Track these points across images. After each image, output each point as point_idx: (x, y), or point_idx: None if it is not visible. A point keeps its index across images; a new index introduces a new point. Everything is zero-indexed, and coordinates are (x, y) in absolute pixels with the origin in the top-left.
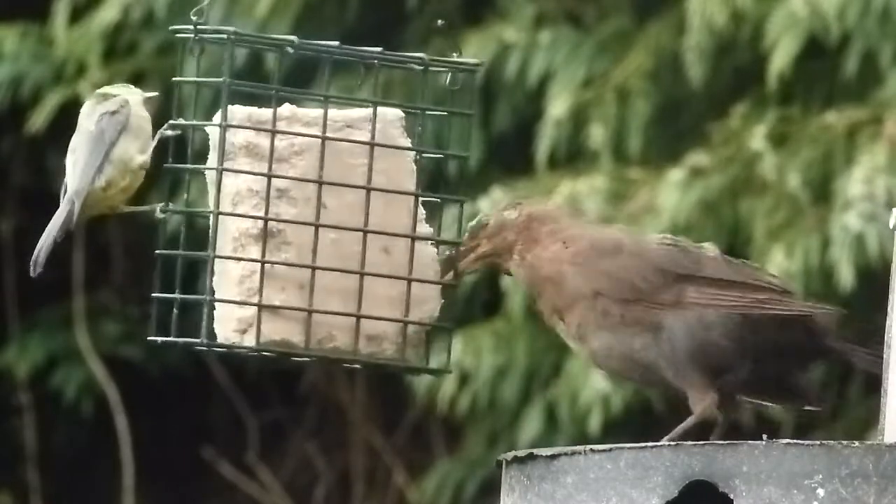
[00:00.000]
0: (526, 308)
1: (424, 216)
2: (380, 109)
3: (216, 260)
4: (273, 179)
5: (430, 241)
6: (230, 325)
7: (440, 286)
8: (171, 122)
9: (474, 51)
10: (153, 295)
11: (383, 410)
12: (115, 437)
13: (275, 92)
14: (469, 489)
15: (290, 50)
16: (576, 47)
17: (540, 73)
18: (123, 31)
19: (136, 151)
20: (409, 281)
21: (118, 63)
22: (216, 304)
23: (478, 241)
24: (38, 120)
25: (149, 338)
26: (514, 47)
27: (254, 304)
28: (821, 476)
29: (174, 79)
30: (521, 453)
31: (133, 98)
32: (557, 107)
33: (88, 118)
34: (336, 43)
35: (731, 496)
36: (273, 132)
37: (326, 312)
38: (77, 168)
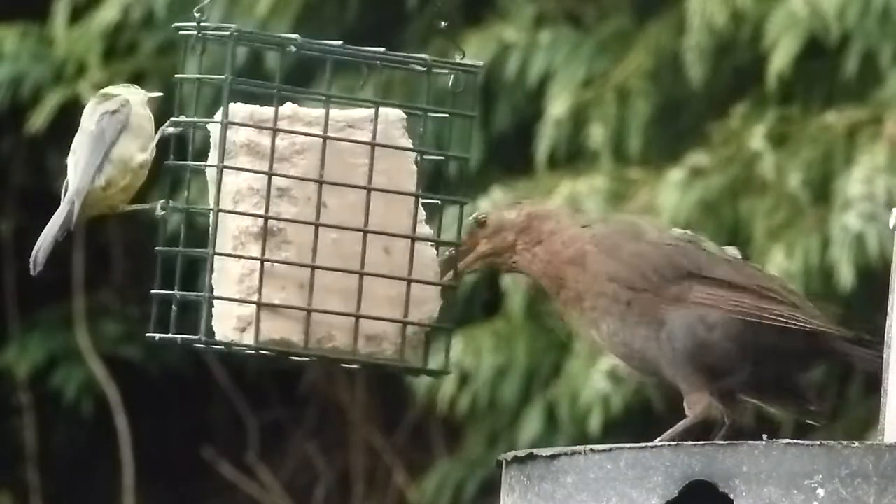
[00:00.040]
0: (526, 308)
1: (424, 217)
2: (382, 110)
3: (216, 258)
4: (274, 178)
5: (430, 242)
6: (229, 324)
7: (440, 287)
8: (172, 118)
9: (474, 51)
10: (152, 292)
11: (383, 410)
12: (115, 437)
13: (276, 91)
14: (469, 489)
15: (292, 49)
16: (576, 47)
17: (540, 73)
18: (123, 31)
19: (137, 150)
20: (409, 281)
21: (118, 63)
22: (215, 302)
23: (477, 241)
24: (38, 120)
25: (147, 334)
26: (514, 47)
27: (253, 303)
28: (821, 476)
29: (176, 76)
30: (521, 453)
31: (135, 98)
32: (557, 107)
33: (89, 118)
34: (339, 42)
35: (731, 496)
36: (274, 131)
37: (326, 312)
38: (77, 168)
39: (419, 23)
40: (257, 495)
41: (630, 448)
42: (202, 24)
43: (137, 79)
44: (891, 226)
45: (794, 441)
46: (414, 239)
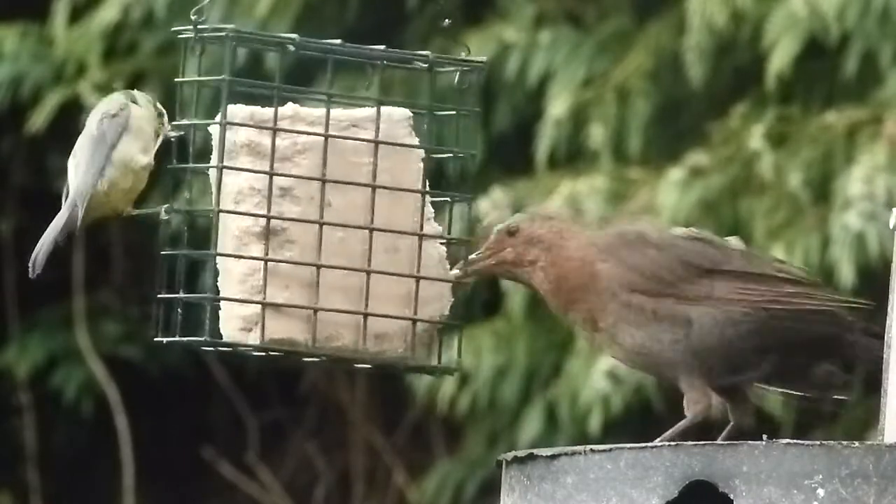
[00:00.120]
0: (526, 308)
1: (433, 215)
2: (387, 109)
3: (218, 259)
4: (276, 178)
5: (438, 240)
6: (233, 324)
7: (449, 285)
8: (173, 122)
9: (474, 51)
10: (158, 296)
11: (383, 410)
12: (115, 437)
13: (276, 91)
14: (469, 489)
15: (291, 48)
16: (576, 47)
17: (540, 73)
18: (123, 31)
19: (139, 152)
20: (417, 279)
21: (118, 63)
22: (219, 303)
23: (503, 247)
24: (38, 120)
25: (154, 339)
26: (514, 47)
27: (256, 302)
28: (821, 476)
29: (176, 80)
30: (521, 453)
31: (137, 101)
32: (557, 107)
33: (91, 122)
34: (339, 41)
35: (731, 496)
36: (274, 130)
37: (330, 310)
38: (78, 171)
39: (419, 23)
40: (257, 495)
41: (630, 448)
42: (200, 25)
43: (137, 79)
44: (891, 225)
45: (794, 441)
46: (421, 236)
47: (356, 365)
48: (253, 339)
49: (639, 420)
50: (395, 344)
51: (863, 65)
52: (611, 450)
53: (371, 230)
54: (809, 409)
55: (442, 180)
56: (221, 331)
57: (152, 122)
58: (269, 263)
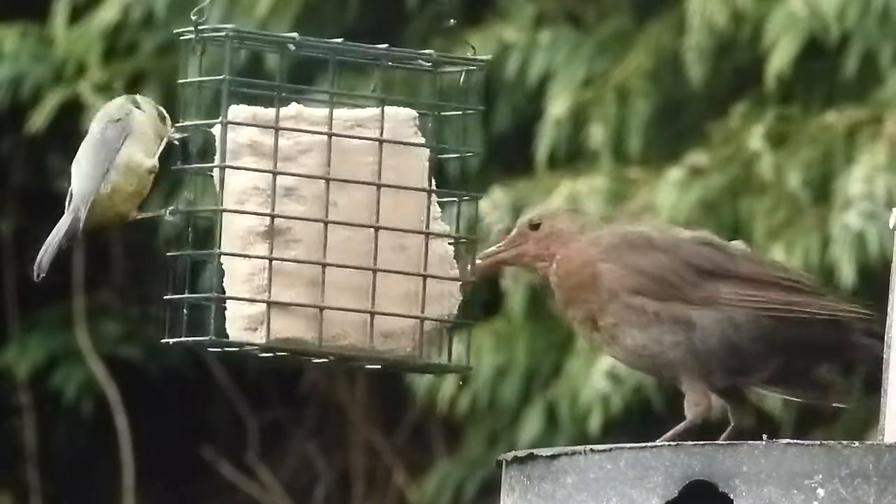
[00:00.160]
0: (526, 308)
1: (440, 214)
2: (393, 109)
3: (222, 259)
4: (280, 178)
5: (444, 238)
6: (239, 324)
7: (457, 283)
8: (176, 125)
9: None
10: (165, 297)
11: (383, 410)
12: (115, 437)
13: (277, 90)
14: (469, 489)
15: (291, 47)
16: (576, 47)
17: (540, 73)
18: (123, 31)
19: (143, 156)
20: (424, 277)
21: (118, 63)
22: (225, 302)
23: (525, 240)
24: (38, 120)
25: (161, 340)
26: (514, 47)
27: (262, 301)
28: (821, 476)
29: (179, 81)
30: (521, 453)
31: (140, 105)
32: (557, 107)
33: (94, 126)
34: (340, 40)
35: (731, 496)
36: (276, 129)
37: (336, 308)
38: (82, 175)
39: (419, 23)
40: (257, 495)
41: (630, 448)
42: (200, 25)
43: (137, 79)
44: (891, 225)
45: (794, 441)
46: (427, 235)
47: (365, 365)
48: (258, 338)
49: (639, 420)
50: (402, 343)
51: (863, 65)
52: (611, 450)
53: (376, 229)
54: (809, 408)
55: (442, 180)
56: (227, 331)
57: (155, 125)
58: (273, 262)
